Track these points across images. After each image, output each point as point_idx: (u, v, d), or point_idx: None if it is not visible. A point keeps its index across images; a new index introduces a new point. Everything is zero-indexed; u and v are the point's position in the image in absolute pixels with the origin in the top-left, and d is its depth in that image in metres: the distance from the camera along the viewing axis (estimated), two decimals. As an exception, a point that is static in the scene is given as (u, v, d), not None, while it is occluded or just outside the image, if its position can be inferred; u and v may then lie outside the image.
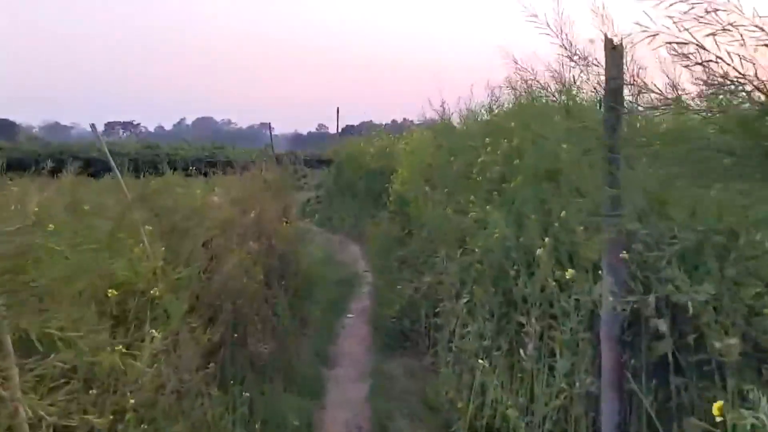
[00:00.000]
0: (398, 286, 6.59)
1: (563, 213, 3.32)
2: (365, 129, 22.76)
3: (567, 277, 3.31)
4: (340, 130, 18.50)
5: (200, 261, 4.16)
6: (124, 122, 58.11)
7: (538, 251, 3.44)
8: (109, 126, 62.92)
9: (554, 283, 3.37)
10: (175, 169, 7.46)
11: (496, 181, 4.54)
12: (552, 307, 3.44)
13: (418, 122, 10.60)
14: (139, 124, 61.94)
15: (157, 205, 4.19)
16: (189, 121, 68.34)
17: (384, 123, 13.34)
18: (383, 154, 12.21)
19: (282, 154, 9.47)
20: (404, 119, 12.91)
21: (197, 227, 4.45)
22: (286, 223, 7.54)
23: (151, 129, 63.77)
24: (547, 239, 3.43)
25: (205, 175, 7.30)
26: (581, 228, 3.22)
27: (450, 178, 5.81)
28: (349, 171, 14.37)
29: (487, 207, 4.16)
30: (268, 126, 8.85)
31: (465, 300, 4.39)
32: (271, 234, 6.32)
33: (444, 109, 6.85)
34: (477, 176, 4.91)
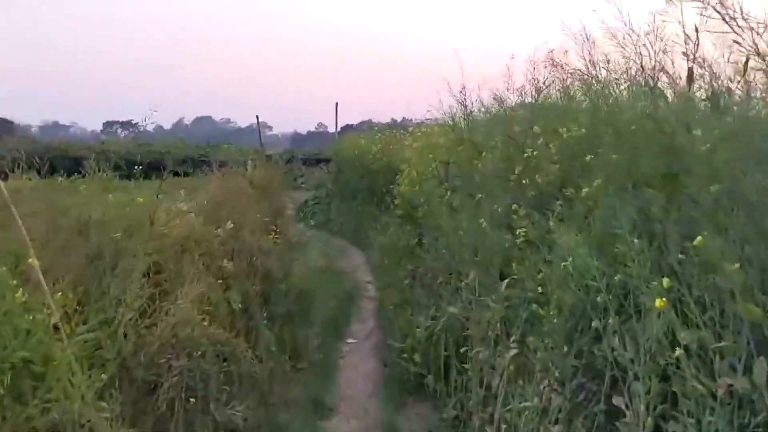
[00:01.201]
0: (410, 312, 5.28)
1: (699, 240, 2.00)
2: (365, 128, 21.42)
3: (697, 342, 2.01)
4: (339, 129, 17.13)
5: (137, 302, 2.85)
6: (122, 122, 56.57)
7: (651, 299, 2.13)
8: (108, 125, 61.48)
9: (678, 351, 2.06)
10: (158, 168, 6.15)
11: (553, 185, 3.22)
12: (671, 385, 2.13)
13: (426, 118, 9.32)
14: (137, 123, 60.36)
15: (74, 219, 2.87)
16: (188, 121, 66.89)
17: (384, 123, 12.16)
18: (387, 152, 10.87)
19: (274, 153, 8.16)
20: (403, 118, 11.73)
21: (139, 249, 3.13)
22: (276, 231, 6.23)
23: (150, 128, 62.23)
24: (665, 280, 2.11)
25: (185, 175, 5.96)
26: (733, 266, 1.91)
27: (478, 179, 4.50)
28: (350, 170, 13.04)
29: (550, 222, 2.83)
30: (256, 119, 7.49)
31: (513, 351, 3.07)
32: (253, 248, 5.00)
33: (464, 95, 5.51)
34: (521, 178, 3.59)
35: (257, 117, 7.60)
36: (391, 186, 8.67)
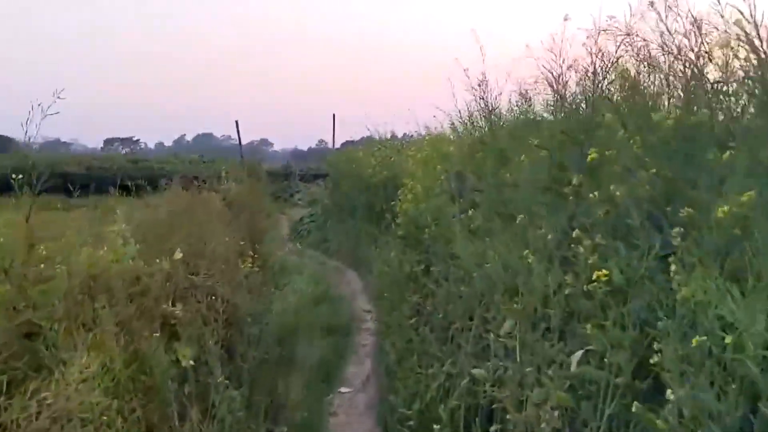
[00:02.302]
0: (416, 361, 4.09)
1: None
2: (365, 144, 20.26)
3: None
4: (338, 144, 15.92)
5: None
6: (123, 138, 55.66)
7: None
8: (108, 142, 60.64)
9: None
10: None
11: (645, 200, 2.05)
12: None
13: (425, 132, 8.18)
14: (138, 140, 59.66)
15: None
16: (189, 138, 66.12)
17: (384, 138, 11.01)
18: (387, 165, 9.72)
19: (257, 165, 6.98)
20: (404, 134, 10.67)
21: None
22: (254, 257, 5.06)
23: (152, 146, 61.46)
24: None
25: (135, 192, 4.75)
26: None
27: (509, 193, 3.34)
28: (347, 185, 11.88)
29: (647, 259, 1.65)
30: (235, 124, 6.35)
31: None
32: (218, 283, 3.83)
33: (484, 88, 4.33)
34: (582, 190, 2.43)
35: (236, 122, 6.44)
36: (392, 202, 7.53)
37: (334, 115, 14.86)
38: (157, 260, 3.29)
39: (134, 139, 64.27)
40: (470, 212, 3.96)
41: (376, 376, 5.29)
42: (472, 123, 4.59)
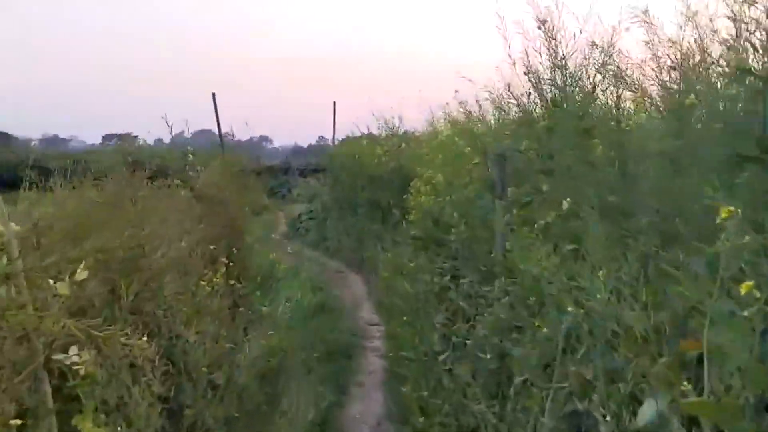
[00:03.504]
0: (455, 422, 2.82)
1: None
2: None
3: None
4: (339, 136, 14.41)
5: None
6: (121, 134, 54.25)
7: None
8: (107, 138, 59.35)
9: None
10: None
11: None
12: None
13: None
14: (137, 137, 58.21)
15: None
16: (188, 133, 64.71)
17: (392, 125, 9.69)
18: (395, 153, 8.43)
19: (240, 156, 5.67)
20: (406, 131, 9.33)
21: None
22: (229, 266, 3.81)
23: (151, 141, 60.00)
24: None
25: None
26: None
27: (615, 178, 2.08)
28: (349, 178, 10.59)
29: None
30: (212, 97, 5.05)
31: None
32: (161, 311, 2.57)
33: (551, 34, 2.98)
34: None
35: (213, 95, 5.17)
36: (404, 196, 6.27)
37: (334, 103, 13.53)
38: (52, 280, 2.02)
39: (133, 135, 63.01)
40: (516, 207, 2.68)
41: (389, 421, 4.02)
42: (541, 87, 3.22)
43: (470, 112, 4.62)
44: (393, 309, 5.73)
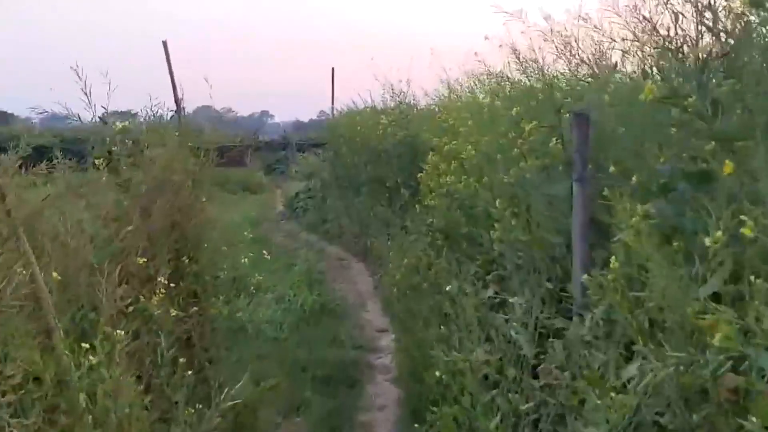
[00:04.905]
0: None
1: None
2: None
3: None
4: (339, 111, 12.67)
5: None
6: (121, 112, 52.79)
7: None
8: (105, 116, 57.91)
9: None
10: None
11: None
12: None
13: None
14: (136, 114, 56.84)
15: None
16: (189, 110, 63.23)
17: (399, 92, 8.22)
18: (404, 123, 7.07)
19: (200, 130, 4.34)
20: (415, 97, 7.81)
21: None
22: (169, 287, 2.52)
23: (150, 119, 58.69)
24: None
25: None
26: None
27: None
28: (350, 153, 9.25)
29: None
30: (163, 45, 3.66)
31: None
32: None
33: None
34: None
35: (164, 43, 3.88)
36: (419, 174, 4.96)
37: (333, 69, 12.08)
38: None
39: (132, 112, 61.24)
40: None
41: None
42: None
43: (522, 61, 3.26)
44: (407, 317, 4.48)
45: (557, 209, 2.48)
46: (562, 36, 2.97)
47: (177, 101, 3.82)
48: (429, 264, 4.26)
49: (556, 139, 2.55)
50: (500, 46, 3.36)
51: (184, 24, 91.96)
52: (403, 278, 4.55)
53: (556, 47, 3.00)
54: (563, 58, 2.85)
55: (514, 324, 2.66)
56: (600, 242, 2.28)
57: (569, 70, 2.87)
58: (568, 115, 2.45)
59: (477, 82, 4.51)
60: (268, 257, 5.24)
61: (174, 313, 2.42)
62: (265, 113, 57.30)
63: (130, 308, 2.24)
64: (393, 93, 7.73)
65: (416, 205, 5.24)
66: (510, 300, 2.71)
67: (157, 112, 3.15)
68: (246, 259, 5.54)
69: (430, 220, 4.48)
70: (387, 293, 5.84)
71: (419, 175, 4.91)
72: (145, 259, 2.43)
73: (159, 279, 2.46)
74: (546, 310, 2.55)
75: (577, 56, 2.66)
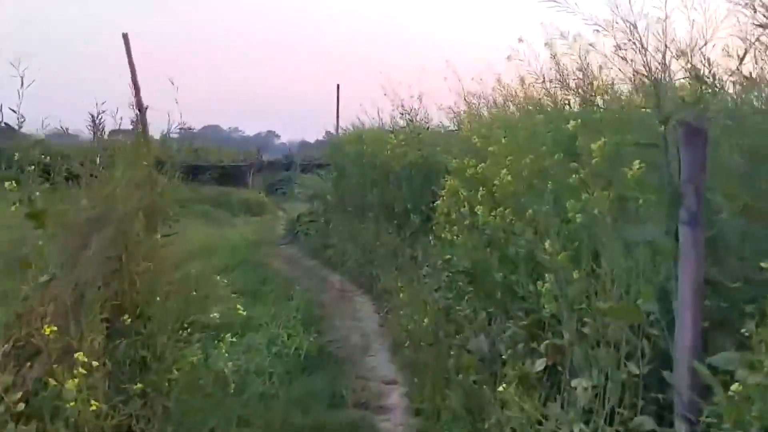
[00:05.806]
0: None
1: None
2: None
3: None
4: (343, 129, 11.94)
5: None
6: (124, 130, 52.72)
7: None
8: (114, 134, 57.72)
9: None
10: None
11: None
12: None
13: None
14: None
15: None
16: (196, 129, 63.10)
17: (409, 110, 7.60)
18: (416, 142, 6.35)
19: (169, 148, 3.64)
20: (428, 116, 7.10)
21: None
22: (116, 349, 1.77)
23: (157, 137, 58.52)
24: None
25: None
26: None
27: None
28: (356, 174, 8.53)
29: None
30: (123, 38, 2.96)
31: None
32: None
33: None
34: None
35: (124, 36, 3.22)
36: (432, 200, 4.21)
37: (338, 87, 11.45)
38: None
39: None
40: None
41: None
42: None
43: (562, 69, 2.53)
44: (422, 369, 3.72)
45: (645, 261, 1.73)
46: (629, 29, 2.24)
47: (139, 106, 3.13)
48: (447, 310, 3.50)
49: (641, 164, 1.80)
50: (545, 44, 2.62)
51: (189, 42, 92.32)
52: (417, 327, 3.78)
53: (617, 44, 2.28)
54: (636, 54, 2.10)
55: (572, 415, 1.90)
56: (719, 312, 1.53)
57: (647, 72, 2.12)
58: (663, 128, 1.70)
59: (507, 95, 3.78)
60: (244, 313, 4.42)
61: (94, 407, 1.66)
62: (271, 133, 56.93)
63: (22, 403, 1.50)
64: (403, 110, 7.02)
65: (429, 235, 4.51)
66: (572, 383, 1.95)
67: (102, 120, 2.43)
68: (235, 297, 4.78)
69: (448, 256, 3.73)
70: (395, 335, 5.07)
71: (433, 202, 4.18)
72: (56, 327, 1.69)
73: (78, 355, 1.71)
74: (626, 403, 1.79)
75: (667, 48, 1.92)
